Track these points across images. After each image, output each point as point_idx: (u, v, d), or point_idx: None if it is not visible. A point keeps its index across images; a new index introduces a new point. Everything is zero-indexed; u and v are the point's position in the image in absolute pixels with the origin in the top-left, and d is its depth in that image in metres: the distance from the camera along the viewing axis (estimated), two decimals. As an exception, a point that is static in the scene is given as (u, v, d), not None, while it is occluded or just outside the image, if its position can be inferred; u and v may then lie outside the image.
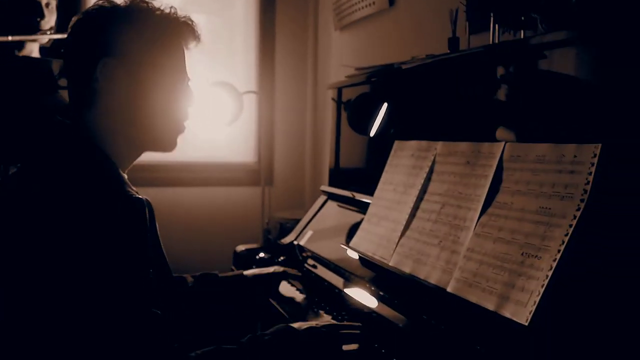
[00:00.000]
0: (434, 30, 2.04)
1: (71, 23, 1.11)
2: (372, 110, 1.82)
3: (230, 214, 3.16)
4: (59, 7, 2.19)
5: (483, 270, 1.09)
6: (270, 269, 1.60)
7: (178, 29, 1.14)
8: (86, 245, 0.92)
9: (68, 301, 0.91)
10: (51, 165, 1.01)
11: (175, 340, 1.01)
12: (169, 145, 1.17)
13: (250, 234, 3.07)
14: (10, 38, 2.05)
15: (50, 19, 2.15)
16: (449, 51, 1.65)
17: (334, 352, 1.14)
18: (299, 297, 1.58)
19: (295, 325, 1.14)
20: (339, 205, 1.92)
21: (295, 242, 1.93)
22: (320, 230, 1.92)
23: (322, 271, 1.68)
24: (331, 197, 2.00)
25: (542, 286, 0.95)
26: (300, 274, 1.64)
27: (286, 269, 1.62)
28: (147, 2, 1.12)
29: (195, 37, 1.17)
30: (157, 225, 1.21)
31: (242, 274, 1.55)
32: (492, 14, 1.51)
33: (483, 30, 1.58)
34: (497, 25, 1.49)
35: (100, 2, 1.11)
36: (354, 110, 1.99)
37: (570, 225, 0.96)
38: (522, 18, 1.43)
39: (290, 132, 3.36)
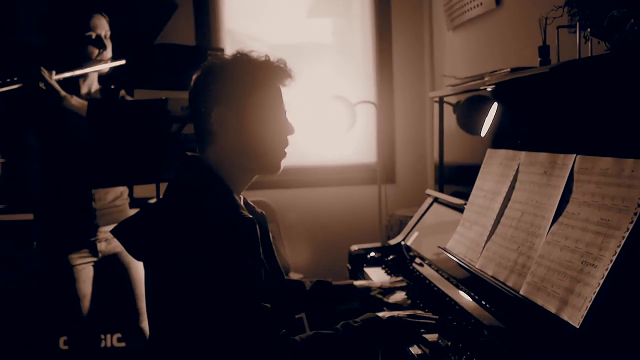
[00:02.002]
0: (539, 30, 2.07)
1: (193, 78, 1.38)
2: (470, 116, 1.94)
3: (351, 211, 3.41)
4: (112, 37, 2.33)
5: (550, 276, 1.20)
6: (377, 283, 1.74)
7: (273, 73, 1.35)
8: (211, 254, 1.21)
9: (195, 294, 1.20)
10: (189, 193, 1.31)
11: (283, 327, 1.25)
12: (275, 169, 1.40)
13: (370, 229, 3.30)
14: (80, 71, 2.23)
15: (109, 49, 2.31)
16: (540, 59, 1.72)
17: (412, 337, 1.34)
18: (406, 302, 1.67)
19: (381, 314, 1.36)
20: (442, 208, 2.06)
21: (403, 243, 2.11)
22: (425, 231, 2.07)
23: (426, 270, 1.84)
24: (435, 200, 2.14)
25: (594, 293, 1.04)
26: (409, 286, 1.72)
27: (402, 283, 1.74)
28: (247, 54, 1.34)
29: (289, 76, 1.37)
30: (270, 236, 1.47)
31: (352, 284, 1.71)
32: (577, 20, 1.55)
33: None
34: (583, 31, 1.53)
35: (211, 58, 1.36)
36: (460, 114, 2.11)
37: (623, 237, 1.04)
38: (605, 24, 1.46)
39: (411, 132, 3.51)
